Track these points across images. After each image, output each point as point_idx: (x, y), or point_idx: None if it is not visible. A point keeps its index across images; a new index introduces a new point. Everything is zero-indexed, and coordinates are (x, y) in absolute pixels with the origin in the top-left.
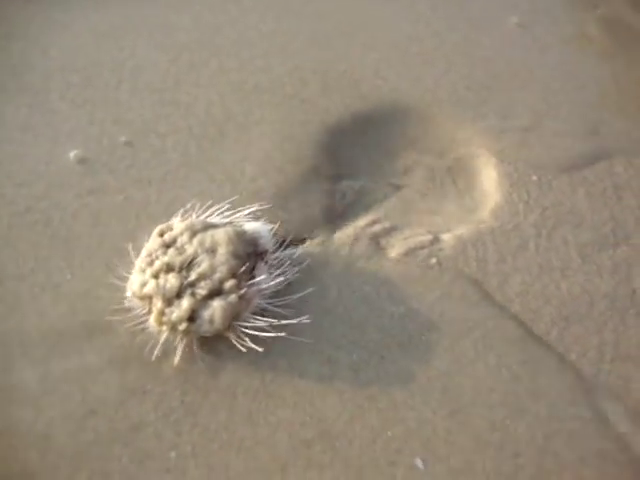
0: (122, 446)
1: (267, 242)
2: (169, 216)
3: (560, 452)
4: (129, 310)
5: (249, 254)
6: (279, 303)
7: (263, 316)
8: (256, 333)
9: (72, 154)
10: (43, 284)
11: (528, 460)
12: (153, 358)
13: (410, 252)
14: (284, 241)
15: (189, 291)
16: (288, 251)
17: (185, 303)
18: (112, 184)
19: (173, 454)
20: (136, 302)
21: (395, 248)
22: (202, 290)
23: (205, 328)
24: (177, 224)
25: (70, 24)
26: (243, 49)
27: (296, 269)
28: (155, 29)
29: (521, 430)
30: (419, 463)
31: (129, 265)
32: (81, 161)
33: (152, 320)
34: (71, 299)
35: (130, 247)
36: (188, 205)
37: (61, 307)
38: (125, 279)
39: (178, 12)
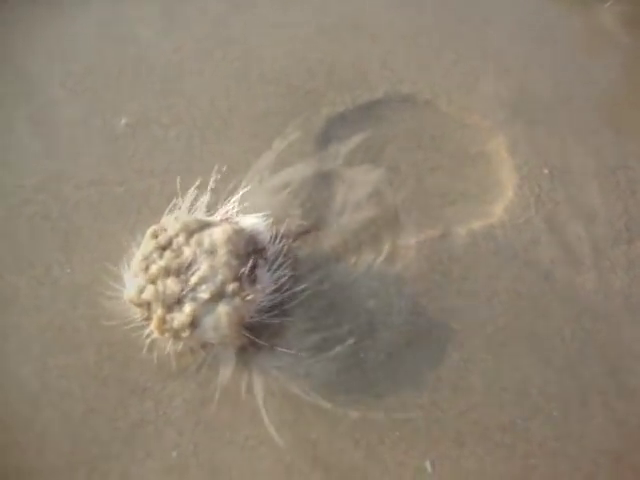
0: (122, 445)
1: (266, 238)
2: (171, 209)
3: (573, 454)
4: (128, 312)
5: (249, 253)
6: (283, 299)
7: (266, 312)
8: (252, 338)
9: (72, 144)
10: (42, 278)
11: (540, 461)
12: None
13: (420, 246)
14: (289, 236)
15: (190, 296)
16: (293, 246)
17: (187, 309)
18: (113, 175)
19: (174, 453)
20: (134, 308)
21: (405, 242)
22: (204, 294)
23: (210, 335)
24: (171, 224)
25: (71, 11)
26: (248, 39)
27: (302, 264)
28: (158, 17)
29: (533, 431)
30: (428, 465)
31: (130, 260)
32: (81, 151)
33: (153, 327)
34: (70, 294)
35: (131, 242)
36: (186, 199)
37: (60, 302)
38: (125, 275)
39: (182, 0)
